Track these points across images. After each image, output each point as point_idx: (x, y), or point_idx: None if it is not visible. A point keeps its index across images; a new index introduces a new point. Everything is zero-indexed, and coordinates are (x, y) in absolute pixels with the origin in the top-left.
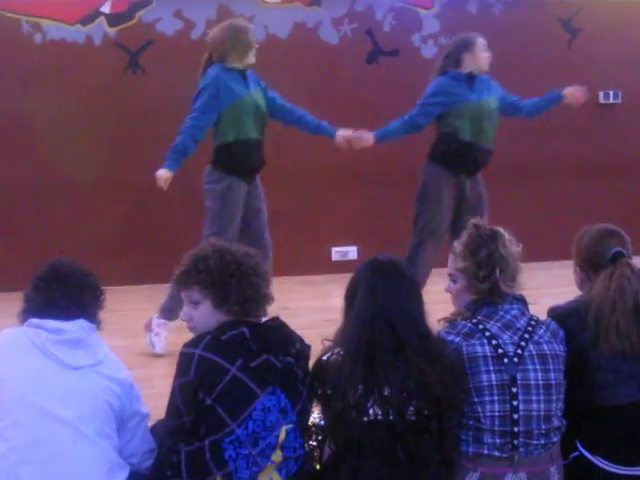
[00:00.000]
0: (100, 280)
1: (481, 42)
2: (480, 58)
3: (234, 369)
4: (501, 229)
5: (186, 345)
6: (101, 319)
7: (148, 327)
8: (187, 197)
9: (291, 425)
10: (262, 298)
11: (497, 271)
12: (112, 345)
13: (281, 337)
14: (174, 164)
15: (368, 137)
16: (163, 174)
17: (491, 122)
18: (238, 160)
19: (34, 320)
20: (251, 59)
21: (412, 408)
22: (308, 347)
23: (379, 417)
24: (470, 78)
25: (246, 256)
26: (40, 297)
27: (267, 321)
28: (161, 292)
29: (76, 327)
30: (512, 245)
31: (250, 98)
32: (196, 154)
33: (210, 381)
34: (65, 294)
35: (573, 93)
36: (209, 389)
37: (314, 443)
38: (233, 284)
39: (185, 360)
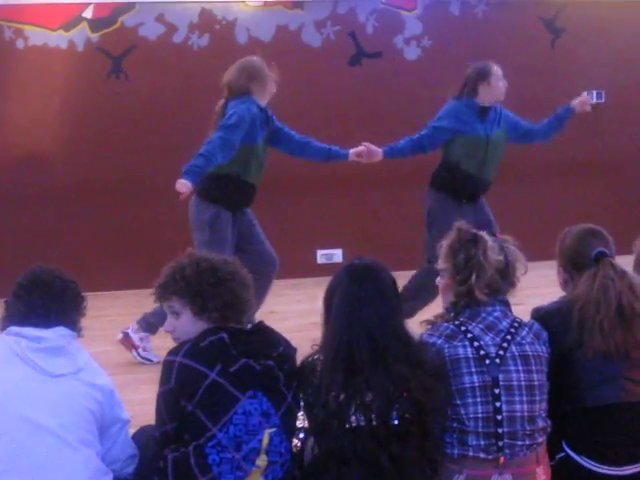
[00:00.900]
0: (87, 286)
1: (497, 71)
2: (496, 88)
3: (213, 374)
4: (485, 235)
5: (168, 353)
6: (82, 326)
7: (129, 344)
8: (175, 202)
9: (275, 429)
10: (242, 304)
11: (473, 277)
12: (98, 350)
13: (262, 341)
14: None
15: (377, 153)
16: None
17: (496, 156)
18: (227, 194)
19: (14, 328)
20: (273, 89)
21: (394, 413)
22: (294, 350)
23: (361, 424)
24: (483, 110)
25: (223, 263)
26: (20, 305)
27: (250, 326)
28: (149, 298)
29: (56, 335)
30: (493, 253)
31: (263, 144)
32: (183, 149)
33: (190, 387)
34: (46, 302)
35: (581, 106)
36: (190, 395)
37: (298, 444)
38: (210, 291)
39: (166, 368)
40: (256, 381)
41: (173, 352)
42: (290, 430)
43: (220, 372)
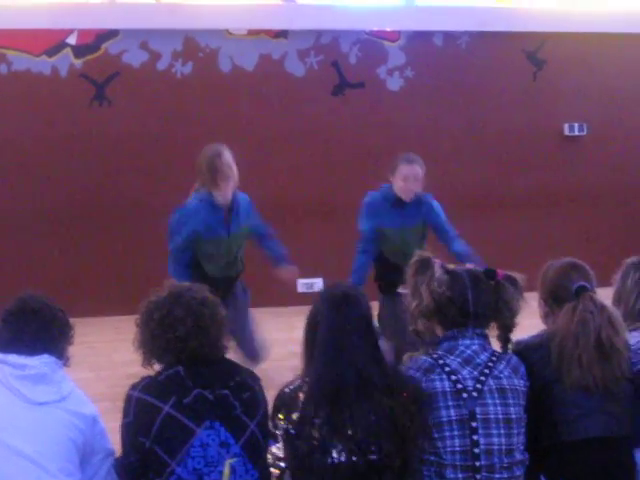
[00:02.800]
0: (67, 312)
1: (403, 170)
2: (397, 186)
3: (167, 407)
4: (436, 266)
5: (130, 387)
6: (70, 355)
7: None
8: (154, 228)
9: (236, 459)
10: (203, 337)
11: (414, 304)
12: (77, 377)
13: (218, 371)
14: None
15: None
16: None
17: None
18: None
19: None
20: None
21: (375, 447)
22: (255, 379)
23: (342, 459)
24: (399, 201)
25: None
26: (7, 331)
27: (208, 358)
28: (127, 324)
29: (40, 362)
30: (437, 285)
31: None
32: (166, 177)
33: (145, 422)
34: (33, 329)
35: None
36: (146, 431)
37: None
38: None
39: (127, 402)
40: (210, 411)
41: (133, 387)
42: (257, 458)
43: (174, 404)
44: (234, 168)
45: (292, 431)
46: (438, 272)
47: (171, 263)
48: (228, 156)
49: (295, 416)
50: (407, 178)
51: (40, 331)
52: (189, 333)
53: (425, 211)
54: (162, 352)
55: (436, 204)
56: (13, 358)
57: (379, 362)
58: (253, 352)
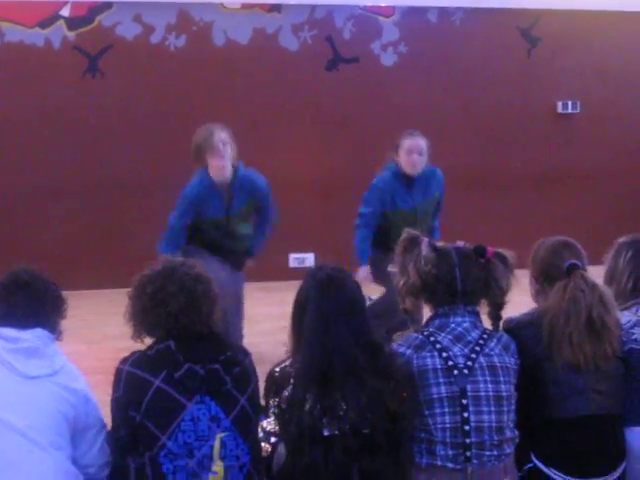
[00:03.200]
0: (59, 285)
1: (406, 144)
2: (404, 162)
3: (157, 381)
4: (424, 244)
5: (120, 361)
6: (62, 329)
7: None
8: (148, 202)
9: (227, 433)
10: (195, 312)
11: (401, 282)
12: (71, 350)
13: (209, 346)
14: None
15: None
16: None
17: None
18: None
19: None
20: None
21: (365, 426)
22: (246, 355)
23: (334, 436)
24: (408, 178)
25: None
26: (0, 304)
27: (200, 333)
28: (120, 297)
29: (33, 336)
30: (423, 264)
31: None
32: (159, 149)
33: (136, 396)
34: (25, 303)
35: None
36: (137, 405)
37: (268, 448)
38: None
39: (117, 376)
40: (200, 385)
41: (122, 361)
42: (247, 433)
43: (165, 379)
44: (230, 147)
45: (284, 407)
46: (425, 250)
47: (163, 240)
48: (221, 135)
49: (285, 396)
50: (411, 151)
51: (32, 305)
52: (181, 309)
53: (435, 184)
54: (153, 326)
55: (443, 181)
56: (6, 331)
57: (367, 345)
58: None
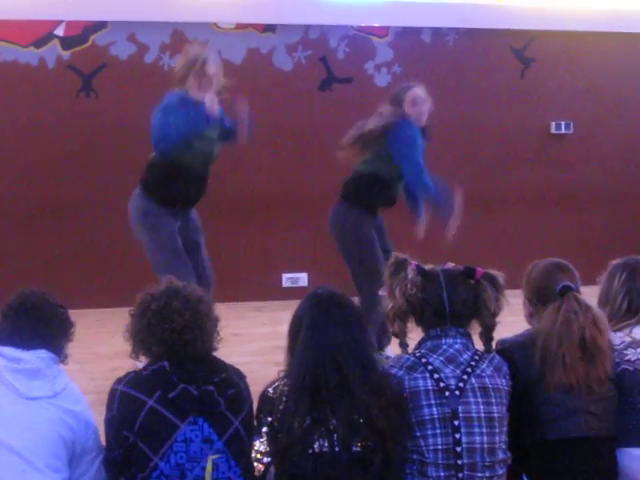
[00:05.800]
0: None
1: (409, 95)
2: (412, 113)
3: (151, 401)
4: (410, 268)
5: (114, 382)
6: (68, 353)
7: None
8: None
9: (219, 455)
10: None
11: (389, 305)
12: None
13: (204, 367)
14: None
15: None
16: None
17: None
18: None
19: None
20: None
21: (357, 441)
22: (241, 377)
23: (324, 450)
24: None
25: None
26: (6, 326)
27: (197, 354)
28: (110, 316)
29: (35, 357)
30: (410, 288)
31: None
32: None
33: (130, 416)
34: (31, 324)
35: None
36: (130, 425)
37: (260, 468)
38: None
39: (111, 396)
40: (194, 407)
41: (117, 381)
42: (240, 455)
43: (158, 399)
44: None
45: (275, 424)
46: (411, 274)
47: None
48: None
49: (277, 411)
50: (416, 100)
51: (38, 326)
52: (186, 325)
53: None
54: (155, 343)
55: None
56: (8, 351)
57: (362, 360)
58: (206, 277)
